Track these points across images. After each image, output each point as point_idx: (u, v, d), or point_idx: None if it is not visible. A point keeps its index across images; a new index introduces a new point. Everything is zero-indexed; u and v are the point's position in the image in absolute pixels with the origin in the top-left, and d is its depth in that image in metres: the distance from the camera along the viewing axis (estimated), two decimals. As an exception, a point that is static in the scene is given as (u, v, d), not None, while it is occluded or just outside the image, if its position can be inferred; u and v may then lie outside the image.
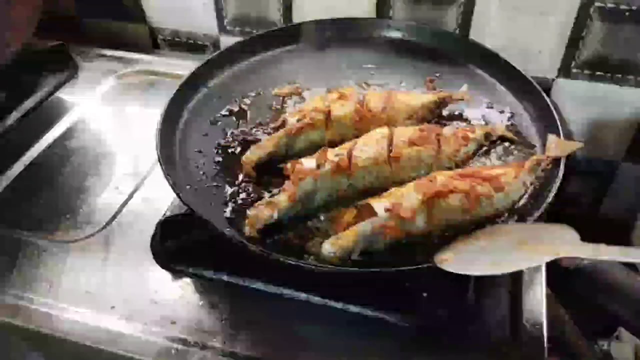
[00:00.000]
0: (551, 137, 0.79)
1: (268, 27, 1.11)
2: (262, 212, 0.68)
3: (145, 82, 1.13)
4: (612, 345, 0.98)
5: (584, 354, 0.91)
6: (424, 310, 0.69)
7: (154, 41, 1.25)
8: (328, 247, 0.65)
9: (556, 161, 0.75)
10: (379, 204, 0.67)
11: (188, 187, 0.75)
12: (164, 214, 0.79)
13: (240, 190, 0.76)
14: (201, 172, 0.78)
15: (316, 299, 0.70)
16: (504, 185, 0.71)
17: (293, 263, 0.64)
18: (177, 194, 0.71)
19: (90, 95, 1.10)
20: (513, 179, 0.72)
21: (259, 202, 0.71)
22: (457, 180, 0.70)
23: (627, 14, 0.90)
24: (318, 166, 0.72)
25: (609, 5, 0.90)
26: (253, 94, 0.92)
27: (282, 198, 0.70)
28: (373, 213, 0.66)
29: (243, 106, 0.90)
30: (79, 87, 1.12)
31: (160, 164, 0.74)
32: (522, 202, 0.73)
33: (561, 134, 0.79)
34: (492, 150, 0.82)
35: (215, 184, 0.77)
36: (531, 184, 0.74)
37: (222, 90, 0.93)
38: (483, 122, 0.86)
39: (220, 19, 1.16)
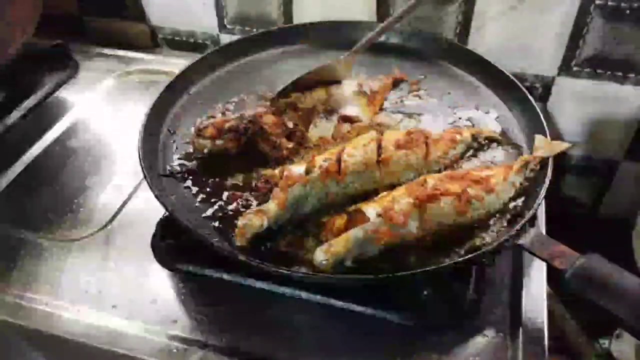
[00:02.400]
0: (539, 138, 0.79)
1: (268, 26, 1.10)
2: (252, 221, 0.67)
3: (146, 81, 1.13)
4: (613, 343, 0.98)
5: (584, 352, 0.91)
6: (424, 309, 0.69)
7: (154, 40, 1.25)
8: (320, 255, 0.64)
9: (545, 161, 0.75)
10: (371, 209, 0.66)
11: (174, 197, 0.75)
12: (165, 213, 0.79)
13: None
14: (188, 182, 0.78)
15: (317, 298, 0.70)
16: (494, 187, 0.71)
17: (284, 272, 0.64)
18: (163, 204, 0.70)
19: (91, 94, 1.10)
20: (502, 181, 0.72)
21: (248, 210, 0.69)
22: (447, 183, 0.69)
23: (627, 12, 0.90)
24: (307, 172, 0.71)
25: (610, 3, 0.90)
26: (236, 99, 0.91)
27: (272, 205, 0.69)
28: (365, 218, 0.66)
29: (227, 112, 0.89)
30: (80, 86, 1.12)
31: (144, 175, 0.74)
32: (513, 202, 0.72)
33: (547, 134, 0.79)
34: (480, 151, 0.81)
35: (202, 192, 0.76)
36: (521, 184, 0.74)
37: (205, 96, 0.92)
38: (470, 124, 0.86)
39: (220, 18, 1.15)
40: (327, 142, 0.82)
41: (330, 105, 0.87)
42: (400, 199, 0.67)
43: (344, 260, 0.64)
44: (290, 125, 0.82)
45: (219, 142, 0.79)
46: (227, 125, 0.79)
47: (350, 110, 0.87)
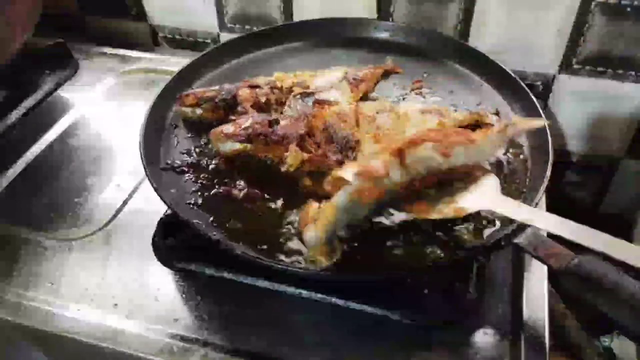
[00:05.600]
0: (515, 117, 0.81)
1: (269, 24, 1.11)
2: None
3: (146, 80, 1.13)
4: (614, 341, 0.98)
5: (586, 350, 0.91)
6: (425, 307, 0.69)
7: (155, 39, 1.25)
8: (310, 233, 0.61)
9: (545, 158, 0.74)
10: (348, 171, 0.61)
11: (173, 190, 0.75)
12: (165, 212, 0.79)
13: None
14: (188, 175, 0.78)
15: (318, 296, 0.70)
16: (475, 139, 0.67)
17: (279, 267, 0.64)
18: (162, 198, 0.70)
19: (91, 93, 1.10)
20: (483, 137, 0.68)
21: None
22: (428, 134, 0.66)
23: (628, 9, 0.90)
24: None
25: (611, 1, 0.90)
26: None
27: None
28: (345, 183, 0.61)
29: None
30: (80, 85, 1.12)
31: (145, 168, 0.74)
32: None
33: (548, 134, 0.78)
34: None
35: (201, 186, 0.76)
36: (505, 152, 0.75)
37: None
38: None
39: (220, 16, 1.16)
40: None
41: (309, 89, 0.86)
42: (377, 155, 0.64)
43: (336, 231, 0.62)
44: (263, 100, 0.83)
45: (198, 111, 0.84)
46: (206, 95, 0.84)
47: (328, 95, 0.86)
